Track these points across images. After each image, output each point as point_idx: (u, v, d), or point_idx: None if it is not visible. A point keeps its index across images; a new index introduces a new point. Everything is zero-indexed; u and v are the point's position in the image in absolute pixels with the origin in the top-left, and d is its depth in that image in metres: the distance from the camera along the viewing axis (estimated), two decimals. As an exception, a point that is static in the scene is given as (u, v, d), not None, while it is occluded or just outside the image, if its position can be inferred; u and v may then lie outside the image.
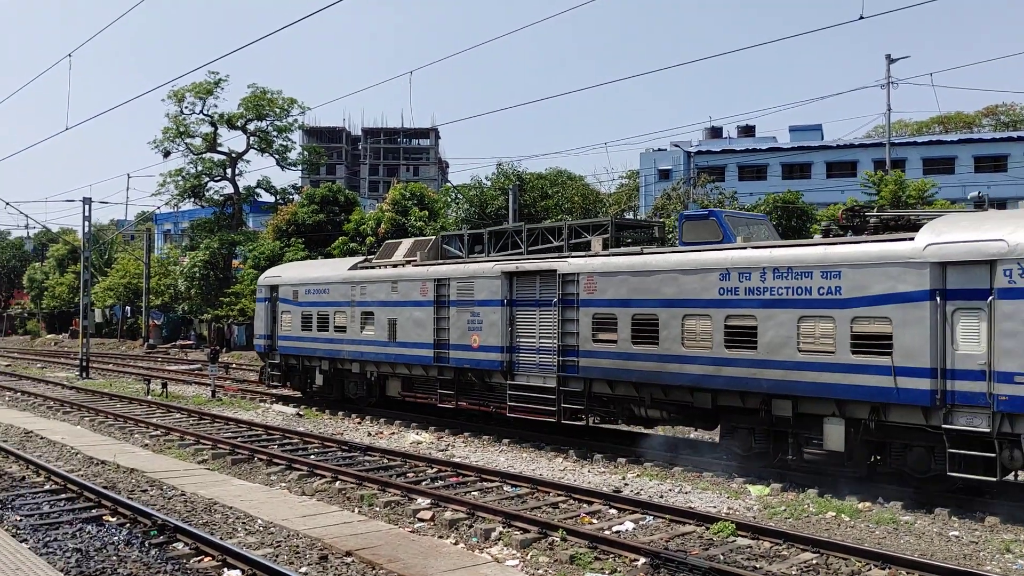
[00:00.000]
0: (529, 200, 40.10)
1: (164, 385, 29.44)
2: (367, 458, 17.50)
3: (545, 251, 20.61)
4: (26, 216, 71.46)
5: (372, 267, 25.06)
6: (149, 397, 28.20)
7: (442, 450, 18.92)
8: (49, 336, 72.71)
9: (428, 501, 13.41)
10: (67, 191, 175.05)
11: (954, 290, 13.39)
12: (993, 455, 12.81)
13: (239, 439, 19.63)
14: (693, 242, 17.62)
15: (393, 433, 21.27)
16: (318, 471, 15.77)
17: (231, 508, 12.97)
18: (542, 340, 19.61)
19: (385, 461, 17.14)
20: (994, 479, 12.99)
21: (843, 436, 14.58)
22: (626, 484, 15.19)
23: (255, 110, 56.36)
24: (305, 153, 63.86)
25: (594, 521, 12.53)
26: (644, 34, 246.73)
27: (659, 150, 79.26)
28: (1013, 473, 13.59)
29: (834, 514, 13.11)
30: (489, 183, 41.34)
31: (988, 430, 12.81)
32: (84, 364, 37.48)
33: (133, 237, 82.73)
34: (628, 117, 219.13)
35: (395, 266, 24.18)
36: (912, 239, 14.02)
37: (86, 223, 39.15)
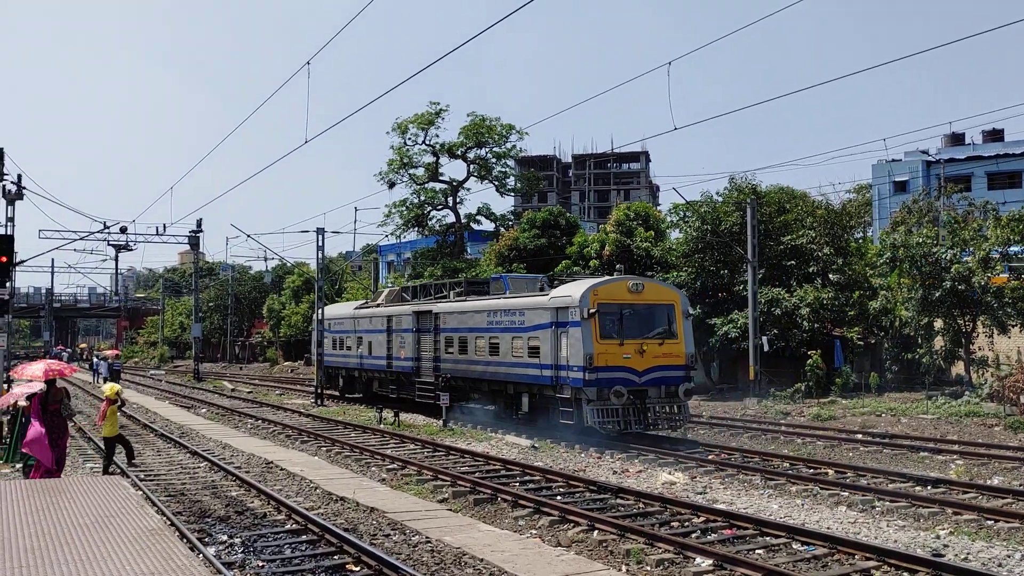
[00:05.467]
0: (764, 216, 37.14)
1: (396, 414, 29.00)
2: (620, 502, 15.60)
3: (441, 298, 31.73)
4: (265, 248, 75.80)
5: (366, 307, 37.78)
6: (382, 426, 27.81)
7: (699, 492, 16.74)
8: (286, 363, 76.43)
9: (709, 561, 11.30)
10: (300, 221, 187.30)
11: (559, 322, 23.90)
12: (571, 409, 23.28)
13: (477, 475, 18.33)
14: (496, 293, 28.95)
15: (640, 471, 19.26)
16: (571, 517, 14.01)
17: (482, 561, 11.43)
18: (430, 353, 30.82)
19: (641, 506, 15.17)
20: (571, 423, 23.29)
21: (528, 404, 25.58)
22: (945, 545, 12.38)
23: (475, 138, 56.65)
24: (519, 184, 63.57)
25: (929, 598, 9.97)
26: (869, 31, 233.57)
27: (894, 160, 73.09)
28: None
29: None
30: (721, 199, 38.72)
31: (570, 397, 23.32)
32: (319, 392, 38.16)
33: (360, 268, 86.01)
34: (855, 127, 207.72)
35: (376, 307, 36.41)
36: (547, 295, 25.17)
37: (319, 252, 40.08)
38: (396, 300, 35.54)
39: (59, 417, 15.95)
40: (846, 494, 16.08)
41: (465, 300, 29.71)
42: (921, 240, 31.18)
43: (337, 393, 39.91)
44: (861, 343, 35.48)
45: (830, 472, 18.56)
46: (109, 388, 20.11)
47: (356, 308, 38.48)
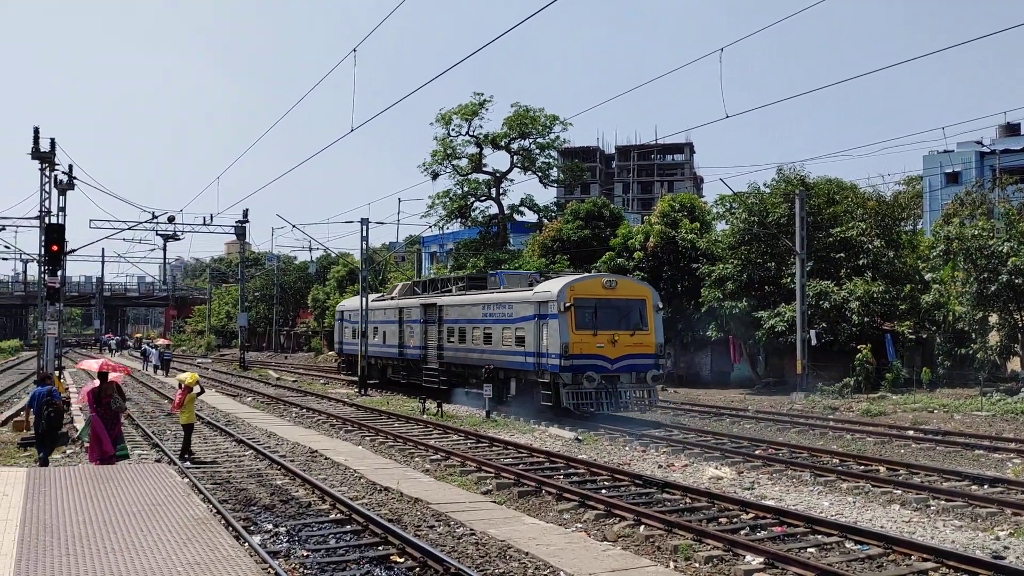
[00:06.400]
0: (813, 207, 36.44)
1: (439, 404, 29.00)
2: (666, 496, 15.37)
3: (446, 292, 35.20)
4: (310, 238, 76.34)
5: (382, 299, 40.98)
6: (424, 416, 27.81)
7: (747, 488, 16.44)
8: (330, 352, 76.86)
9: (760, 560, 11.04)
10: (345, 212, 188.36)
11: (540, 314, 26.66)
12: (551, 392, 26.15)
13: (521, 466, 18.23)
14: (492, 288, 31.61)
15: (686, 465, 18.99)
16: (616, 511, 13.82)
17: (528, 554, 11.29)
18: (435, 342, 33.94)
19: (688, 501, 14.93)
20: (550, 404, 26.15)
21: (515, 386, 28.40)
22: (1005, 547, 11.98)
23: (518, 128, 56.43)
24: (562, 175, 63.13)
25: (990, 603, 9.63)
26: (923, 18, 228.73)
27: (946, 151, 71.37)
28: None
29: None
30: (768, 190, 38.07)
31: (549, 381, 26.17)
32: (363, 381, 38.33)
33: (403, 258, 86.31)
34: (906, 117, 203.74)
35: (391, 299, 39.63)
36: (532, 290, 27.91)
37: (363, 243, 40.19)
38: (408, 293, 38.82)
39: (110, 409, 16.61)
40: (899, 492, 15.70)
41: (465, 294, 32.84)
42: (977, 232, 30.35)
43: (356, 379, 41.98)
44: (912, 338, 34.70)
45: (882, 469, 18.14)
46: (189, 376, 20.61)
47: (373, 300, 41.56)
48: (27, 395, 35.39)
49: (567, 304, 25.95)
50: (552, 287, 26.99)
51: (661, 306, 28.23)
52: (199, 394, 21.05)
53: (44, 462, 17.11)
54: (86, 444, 17.03)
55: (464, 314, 31.76)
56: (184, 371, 46.58)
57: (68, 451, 20.49)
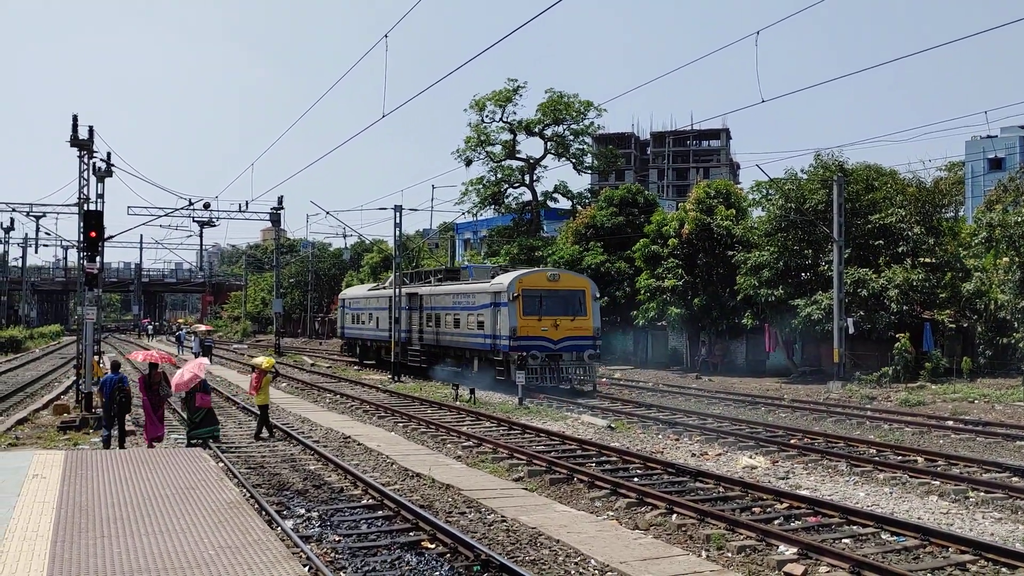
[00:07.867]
0: (851, 193, 35.86)
1: (472, 391, 29.02)
2: (699, 485, 15.24)
3: (428, 283, 39.68)
4: (344, 225, 76.56)
5: (376, 289, 45.54)
6: (457, 403, 27.85)
7: (781, 478, 16.27)
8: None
9: (794, 550, 10.90)
10: (378, 199, 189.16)
11: (496, 302, 31.42)
12: (503, 368, 30.74)
13: (553, 454, 18.19)
14: (463, 280, 36.83)
15: (719, 454, 18.83)
16: (648, 499, 13.73)
17: (558, 542, 11.25)
18: (417, 326, 38.78)
19: (721, 490, 14.79)
20: (503, 379, 30.89)
21: (478, 364, 33.22)
22: (1047, 540, 11.73)
23: (552, 115, 56.14)
24: (596, 161, 62.69)
25: (1031, 597, 9.42)
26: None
27: (989, 136, 69.97)
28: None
29: None
30: (805, 176, 37.51)
31: (502, 359, 31.00)
32: (396, 367, 38.46)
33: (437, 245, 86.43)
34: (948, 101, 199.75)
35: (384, 288, 43.32)
36: (490, 282, 32.64)
37: (397, 230, 40.26)
38: (399, 282, 42.50)
39: (157, 395, 17.82)
40: (937, 483, 15.42)
41: (441, 285, 37.94)
42: (1020, 219, 29.68)
43: (356, 359, 48.38)
44: (952, 326, 34.10)
45: (919, 460, 17.85)
46: (266, 361, 21.89)
47: (369, 289, 46.57)
48: (68, 379, 36.10)
49: (515, 294, 30.77)
50: (504, 279, 31.84)
51: (599, 295, 33.39)
52: (275, 376, 22.89)
53: (108, 443, 17.78)
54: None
55: (440, 302, 36.71)
56: (221, 356, 46.93)
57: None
